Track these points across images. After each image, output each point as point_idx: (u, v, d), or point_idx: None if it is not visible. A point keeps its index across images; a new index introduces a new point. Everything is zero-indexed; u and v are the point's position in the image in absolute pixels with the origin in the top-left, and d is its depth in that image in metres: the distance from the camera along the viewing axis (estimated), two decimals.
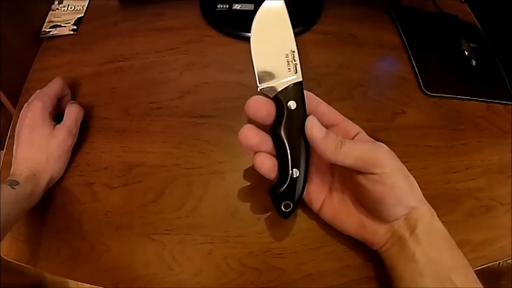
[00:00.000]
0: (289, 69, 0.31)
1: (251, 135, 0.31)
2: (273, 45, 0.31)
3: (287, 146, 0.30)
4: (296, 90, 0.30)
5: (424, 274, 0.28)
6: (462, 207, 0.38)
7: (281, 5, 0.31)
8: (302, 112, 0.31)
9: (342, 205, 0.32)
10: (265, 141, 0.31)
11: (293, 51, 0.31)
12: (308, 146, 0.31)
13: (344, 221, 0.33)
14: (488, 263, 0.35)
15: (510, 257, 0.36)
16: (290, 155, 0.31)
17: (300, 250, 0.35)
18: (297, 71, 0.31)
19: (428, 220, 0.29)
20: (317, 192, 0.33)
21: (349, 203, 0.32)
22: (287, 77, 0.31)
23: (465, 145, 0.42)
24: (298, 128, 0.30)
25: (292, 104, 0.30)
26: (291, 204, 0.31)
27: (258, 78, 0.31)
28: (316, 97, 0.32)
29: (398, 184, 0.29)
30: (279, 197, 0.31)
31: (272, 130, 0.31)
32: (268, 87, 0.31)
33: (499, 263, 0.36)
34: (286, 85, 0.30)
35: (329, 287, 0.34)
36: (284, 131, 0.30)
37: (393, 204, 0.29)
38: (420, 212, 0.29)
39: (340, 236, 0.34)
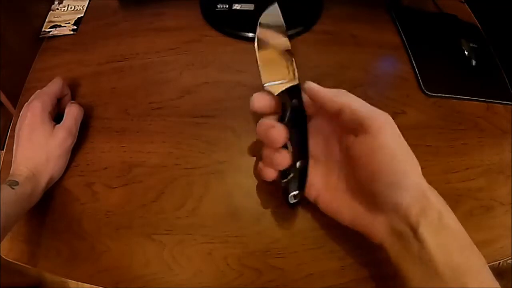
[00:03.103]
0: (288, 73, 0.33)
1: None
2: (275, 49, 0.34)
3: (290, 140, 0.32)
4: (297, 91, 0.33)
5: (434, 277, 0.25)
6: (462, 207, 0.38)
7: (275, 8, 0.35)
8: (302, 109, 0.33)
9: (338, 192, 0.32)
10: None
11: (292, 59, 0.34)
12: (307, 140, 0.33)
13: (339, 209, 0.32)
14: (488, 263, 0.35)
15: (510, 257, 0.36)
16: (295, 148, 0.33)
17: (300, 250, 0.35)
18: (295, 75, 0.33)
19: (434, 217, 0.27)
20: (314, 181, 0.33)
21: (345, 191, 0.32)
22: (288, 80, 0.33)
23: (465, 145, 0.42)
24: (300, 124, 0.33)
25: (295, 103, 0.32)
26: (299, 194, 0.33)
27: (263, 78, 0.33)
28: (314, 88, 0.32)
29: (398, 154, 0.28)
30: (287, 188, 0.33)
31: None
32: (272, 85, 0.33)
33: (499, 263, 0.36)
34: (288, 86, 0.33)
35: (329, 287, 0.34)
36: (288, 126, 0.32)
37: (391, 182, 0.27)
38: (424, 206, 0.27)
39: (340, 236, 0.34)
